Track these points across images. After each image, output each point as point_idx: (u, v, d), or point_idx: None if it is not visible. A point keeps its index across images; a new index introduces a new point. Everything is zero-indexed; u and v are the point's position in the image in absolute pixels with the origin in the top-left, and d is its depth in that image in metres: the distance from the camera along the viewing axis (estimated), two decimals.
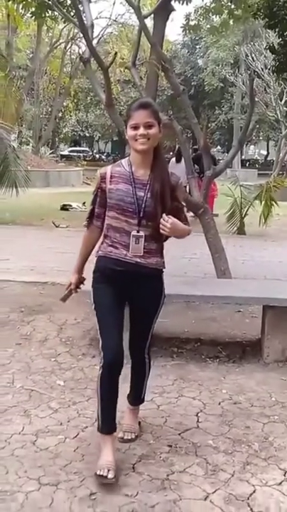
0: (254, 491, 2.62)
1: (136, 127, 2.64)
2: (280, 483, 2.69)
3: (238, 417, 3.36)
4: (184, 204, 2.92)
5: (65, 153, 42.34)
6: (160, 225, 2.62)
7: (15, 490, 2.58)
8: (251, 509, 2.49)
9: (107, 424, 2.76)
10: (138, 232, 2.69)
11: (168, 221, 2.60)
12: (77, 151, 44.15)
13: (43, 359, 4.20)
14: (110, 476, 2.57)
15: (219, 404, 3.53)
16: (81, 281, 3.03)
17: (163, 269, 2.86)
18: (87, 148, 49.85)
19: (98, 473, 2.59)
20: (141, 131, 2.63)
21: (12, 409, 3.38)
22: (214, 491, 2.61)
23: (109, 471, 2.59)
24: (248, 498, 2.57)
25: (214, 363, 4.24)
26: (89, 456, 2.81)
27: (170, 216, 2.62)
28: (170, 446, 3.00)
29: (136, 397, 3.09)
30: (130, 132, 2.67)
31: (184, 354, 4.35)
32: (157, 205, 2.66)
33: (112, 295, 2.78)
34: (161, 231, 2.64)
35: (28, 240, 9.41)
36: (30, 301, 5.61)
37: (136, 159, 2.73)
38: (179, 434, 3.13)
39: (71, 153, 41.88)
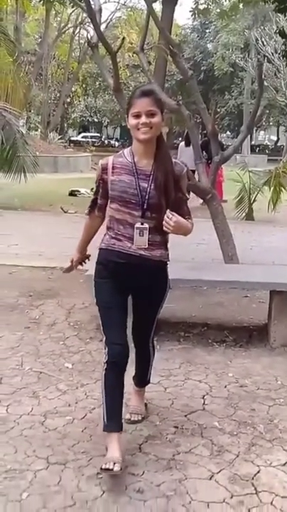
0: (259, 471, 2.67)
1: (137, 116, 2.56)
2: (284, 464, 2.73)
3: (244, 400, 3.40)
4: (188, 196, 2.83)
5: (77, 138, 42.35)
6: (164, 222, 2.53)
7: (24, 469, 2.64)
8: (256, 488, 2.54)
9: (113, 422, 2.67)
10: (142, 224, 2.63)
11: (171, 219, 2.51)
12: (89, 137, 44.11)
13: (52, 342, 4.26)
14: (116, 468, 2.48)
15: (226, 387, 3.57)
16: (84, 258, 3.04)
17: (168, 262, 2.82)
18: (98, 134, 49.71)
19: (104, 466, 2.50)
20: (143, 119, 2.55)
21: (21, 390, 3.44)
22: (219, 471, 2.66)
23: (114, 464, 2.50)
24: (252, 478, 2.61)
25: (220, 347, 4.27)
26: (97, 437, 2.86)
27: (174, 213, 2.53)
28: (177, 427, 3.04)
29: (142, 379, 3.11)
30: (132, 121, 2.59)
31: (191, 338, 4.39)
32: (161, 197, 2.59)
33: (115, 290, 2.73)
34: (164, 228, 2.56)
35: (36, 226, 9.44)
36: (38, 285, 5.66)
37: (139, 149, 2.65)
38: (185, 416, 3.17)
39: (83, 139, 41.89)
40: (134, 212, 2.63)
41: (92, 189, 2.86)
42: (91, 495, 2.45)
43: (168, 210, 2.55)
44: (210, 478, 2.61)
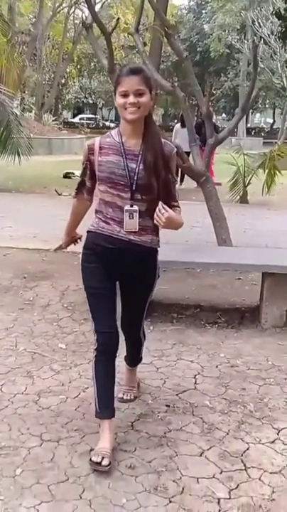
0: (248, 449, 2.73)
1: (125, 95, 2.46)
2: (273, 442, 2.80)
3: (234, 380, 3.45)
4: (176, 180, 2.77)
5: (74, 120, 42.09)
6: (155, 216, 2.44)
7: (18, 446, 2.69)
8: (245, 465, 2.60)
9: (104, 408, 2.67)
10: (131, 206, 2.54)
11: (163, 214, 2.41)
12: (86, 119, 43.81)
13: (46, 323, 4.30)
14: (104, 463, 2.47)
15: (217, 367, 3.63)
16: (75, 239, 2.98)
17: (158, 248, 2.73)
18: (95, 116, 49.33)
19: (93, 459, 2.50)
20: (131, 99, 2.45)
21: (15, 370, 3.48)
22: (209, 448, 2.72)
23: (103, 458, 2.48)
24: (242, 455, 2.68)
25: (213, 328, 4.32)
26: (90, 415, 2.91)
27: (166, 208, 2.43)
28: (168, 406, 3.10)
29: (134, 359, 3.12)
30: (119, 100, 2.49)
31: (183, 320, 4.44)
32: (150, 178, 2.50)
33: (103, 275, 2.65)
34: (155, 222, 2.46)
35: (30, 208, 9.44)
36: (33, 267, 5.69)
37: (126, 129, 2.56)
38: (177, 395, 3.23)
39: (81, 121, 41.66)
40: (123, 194, 2.53)
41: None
42: (83, 471, 2.50)
43: (161, 203, 2.45)
44: (200, 455, 2.67)
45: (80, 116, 46.39)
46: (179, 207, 2.66)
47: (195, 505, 2.32)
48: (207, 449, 2.71)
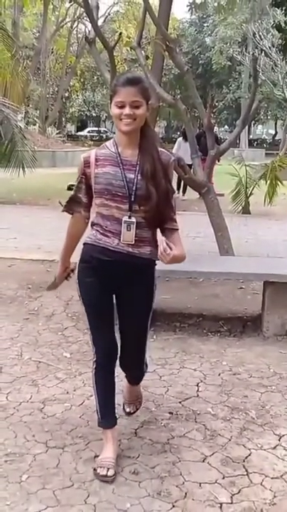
0: (250, 454, 2.77)
1: (121, 106, 2.38)
2: (274, 448, 2.84)
3: (237, 387, 3.50)
4: (175, 190, 2.65)
5: (83, 133, 42.43)
6: (160, 251, 2.38)
7: (24, 452, 2.74)
8: (247, 470, 2.64)
9: (106, 418, 2.70)
10: (129, 217, 2.45)
11: (169, 254, 2.35)
12: (97, 131, 44.08)
13: (50, 333, 4.35)
14: (109, 474, 2.51)
15: (219, 375, 3.68)
16: (68, 272, 2.77)
17: (157, 261, 2.58)
18: (106, 129, 49.51)
19: (98, 471, 2.53)
20: (127, 111, 2.37)
21: (20, 379, 3.54)
22: (212, 454, 2.76)
23: (108, 469, 2.52)
24: (243, 461, 2.72)
25: (215, 336, 4.37)
26: (94, 422, 2.93)
27: (171, 245, 2.37)
28: (171, 413, 3.15)
29: (136, 380, 2.94)
30: (115, 110, 2.41)
31: (186, 328, 4.49)
32: (149, 187, 2.42)
33: (100, 290, 2.57)
34: (159, 257, 2.41)
35: (34, 220, 9.53)
36: (37, 278, 5.75)
37: (122, 139, 2.49)
38: (179, 403, 3.28)
39: (90, 134, 42.01)
40: (121, 205, 2.45)
41: (71, 186, 2.63)
42: (88, 476, 2.55)
43: (165, 241, 2.40)
44: (203, 461, 2.71)
45: (88, 129, 46.67)
46: (176, 221, 2.58)
47: (198, 510, 2.36)
48: (210, 455, 2.75)
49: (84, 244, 2.59)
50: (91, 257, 2.55)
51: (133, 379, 2.90)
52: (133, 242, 2.47)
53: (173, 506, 2.37)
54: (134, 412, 3.04)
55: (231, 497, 2.44)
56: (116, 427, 2.74)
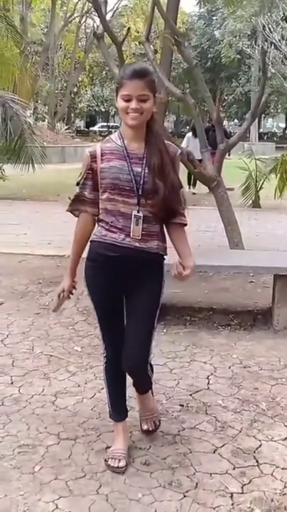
0: (260, 445, 2.79)
1: (128, 100, 2.32)
2: (285, 439, 2.85)
3: (247, 380, 3.52)
4: (182, 185, 2.56)
5: (95, 128, 42.49)
6: (174, 274, 2.45)
7: (37, 444, 2.78)
8: (257, 461, 2.66)
9: (117, 411, 2.72)
10: (138, 212, 2.41)
11: (184, 277, 2.45)
12: (108, 127, 44.10)
13: (61, 327, 4.39)
14: (121, 465, 2.54)
15: (230, 368, 3.69)
16: (73, 286, 2.66)
17: (165, 256, 2.56)
18: (116, 124, 49.50)
19: (109, 463, 2.56)
20: (134, 104, 2.31)
21: (32, 372, 3.58)
22: (223, 445, 2.79)
23: (119, 461, 2.56)
24: (254, 452, 2.74)
25: (225, 330, 4.39)
26: (105, 414, 2.97)
27: (188, 269, 2.46)
28: (182, 405, 3.17)
29: (143, 385, 2.77)
30: (121, 103, 2.35)
31: (196, 322, 4.51)
32: (157, 181, 2.37)
33: (108, 288, 2.52)
34: (173, 275, 2.46)
35: (44, 215, 9.58)
36: (48, 273, 5.79)
37: (128, 133, 2.43)
38: (190, 395, 3.30)
39: (101, 129, 42.04)
40: (128, 199, 2.40)
41: (78, 183, 2.52)
42: (100, 467, 2.58)
43: (178, 260, 2.47)
44: (214, 452, 2.73)
45: (100, 124, 46.64)
46: (185, 216, 2.54)
47: (209, 500, 2.38)
48: (220, 446, 2.78)
49: (90, 241, 2.53)
50: (97, 254, 2.49)
51: (138, 383, 2.72)
52: (139, 237, 2.42)
53: (184, 496, 2.40)
54: (153, 431, 2.83)
55: (242, 487, 2.47)
56: (127, 419, 2.77)
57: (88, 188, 2.48)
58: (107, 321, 2.62)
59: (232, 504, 2.36)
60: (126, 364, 2.57)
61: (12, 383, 3.42)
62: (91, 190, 2.48)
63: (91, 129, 41.48)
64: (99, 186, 2.45)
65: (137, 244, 2.43)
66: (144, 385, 2.74)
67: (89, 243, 2.55)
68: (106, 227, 2.46)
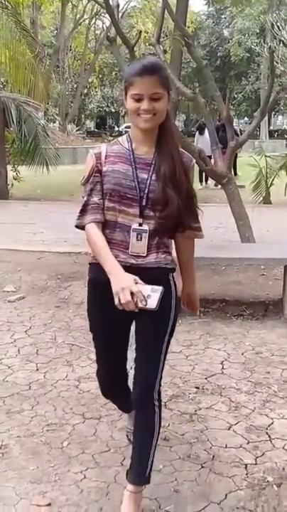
0: (272, 423, 2.98)
1: (139, 99, 2.02)
2: None
3: (259, 365, 3.71)
4: (196, 195, 2.20)
5: (121, 128, 42.86)
6: (185, 305, 2.43)
7: (64, 423, 2.99)
8: (269, 436, 2.85)
9: (124, 409, 2.70)
10: (140, 225, 2.09)
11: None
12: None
13: (81, 319, 4.59)
14: None
15: (243, 354, 3.88)
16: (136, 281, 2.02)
17: (173, 268, 2.20)
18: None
19: (131, 438, 2.51)
20: (146, 105, 2.01)
21: (56, 360, 3.80)
22: (237, 423, 2.98)
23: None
24: (266, 428, 2.93)
25: (238, 320, 4.58)
26: None
27: (191, 298, 2.45)
28: (198, 388, 3.37)
29: (140, 472, 2.23)
30: (131, 104, 2.04)
31: (210, 313, 4.70)
32: (166, 190, 2.05)
33: (108, 318, 2.19)
34: (183, 307, 2.40)
35: (59, 215, 9.79)
36: (65, 269, 6.02)
37: (138, 135, 2.13)
38: (205, 379, 3.50)
39: (128, 129, 42.36)
40: (129, 209, 2.10)
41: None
42: (123, 443, 2.78)
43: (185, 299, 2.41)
44: (229, 429, 2.93)
45: (126, 124, 46.95)
46: (200, 229, 2.26)
47: (225, 470, 2.58)
48: (235, 424, 2.97)
49: (89, 264, 2.25)
50: (94, 278, 2.20)
51: (140, 429, 2.26)
52: (144, 254, 2.11)
53: (202, 467, 2.59)
54: None
55: (256, 459, 2.66)
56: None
57: (97, 194, 2.14)
58: (100, 354, 2.39)
59: (247, 474, 2.55)
60: (133, 390, 2.26)
61: (37, 370, 3.64)
62: (101, 196, 2.14)
63: (117, 129, 41.67)
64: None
65: (133, 260, 2.11)
66: (146, 435, 2.23)
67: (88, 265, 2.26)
68: None
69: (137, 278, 1.99)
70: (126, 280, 1.99)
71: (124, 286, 1.97)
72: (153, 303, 1.95)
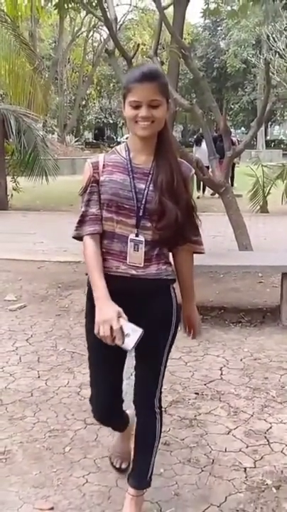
0: (271, 427, 3.03)
1: (137, 106, 1.98)
2: None
3: (258, 370, 3.76)
4: (196, 206, 2.16)
5: (123, 139, 43.21)
6: (186, 331, 2.37)
7: (65, 429, 3.04)
8: (268, 440, 2.90)
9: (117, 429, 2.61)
10: (137, 236, 2.06)
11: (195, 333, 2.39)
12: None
13: (81, 327, 4.60)
14: (123, 466, 2.59)
15: (241, 360, 3.93)
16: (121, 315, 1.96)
17: (174, 279, 2.18)
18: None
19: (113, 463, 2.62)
20: (144, 112, 1.97)
21: (57, 367, 3.84)
22: (236, 428, 3.03)
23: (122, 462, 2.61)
24: (265, 432, 2.98)
25: (236, 327, 4.63)
26: (128, 402, 3.23)
27: (192, 323, 2.38)
28: (197, 393, 3.42)
29: (141, 476, 2.28)
30: (129, 111, 2.01)
31: (209, 320, 4.76)
32: (163, 201, 2.01)
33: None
34: (185, 333, 2.36)
35: (58, 225, 9.86)
36: (65, 278, 6.08)
37: (136, 144, 2.10)
38: (205, 384, 3.55)
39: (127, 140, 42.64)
40: (127, 220, 2.06)
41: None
42: None
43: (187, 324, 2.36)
44: (228, 433, 2.97)
45: (126, 135, 47.28)
46: (201, 243, 2.22)
47: (224, 473, 2.62)
48: (234, 429, 3.02)
49: (86, 274, 2.15)
50: (91, 291, 2.08)
51: (141, 434, 2.28)
52: (141, 265, 2.08)
53: (202, 471, 2.64)
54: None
55: (255, 462, 2.70)
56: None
57: (95, 206, 2.10)
58: (94, 373, 2.32)
59: (246, 477, 2.60)
60: (134, 397, 2.28)
61: (39, 377, 3.68)
62: (99, 207, 2.10)
63: (119, 140, 42.02)
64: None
65: (133, 271, 2.08)
66: (147, 440, 2.26)
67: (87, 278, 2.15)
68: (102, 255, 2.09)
69: (121, 311, 1.94)
70: (110, 313, 1.94)
71: (106, 319, 1.93)
72: (130, 343, 1.92)
